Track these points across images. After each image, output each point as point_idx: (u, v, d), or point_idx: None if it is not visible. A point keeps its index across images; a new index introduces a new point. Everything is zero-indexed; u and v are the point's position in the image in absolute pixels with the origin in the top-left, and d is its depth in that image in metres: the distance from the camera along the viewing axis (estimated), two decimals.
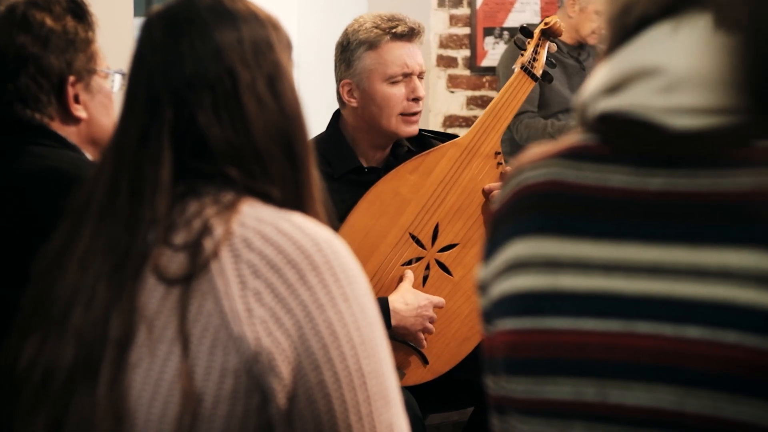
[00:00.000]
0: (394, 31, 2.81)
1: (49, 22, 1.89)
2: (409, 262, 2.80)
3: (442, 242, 2.82)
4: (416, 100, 2.82)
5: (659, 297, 0.97)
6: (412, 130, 2.84)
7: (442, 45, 5.36)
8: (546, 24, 2.94)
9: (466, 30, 5.40)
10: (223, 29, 1.35)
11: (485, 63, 5.34)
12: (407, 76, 2.82)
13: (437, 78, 5.35)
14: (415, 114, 2.83)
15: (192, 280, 1.24)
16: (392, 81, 2.80)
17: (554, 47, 2.96)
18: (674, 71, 1.00)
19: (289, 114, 1.37)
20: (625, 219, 1.00)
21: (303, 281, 1.25)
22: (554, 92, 4.65)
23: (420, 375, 2.83)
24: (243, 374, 1.22)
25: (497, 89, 4.98)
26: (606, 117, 1.05)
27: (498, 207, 1.11)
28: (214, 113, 1.32)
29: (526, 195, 1.07)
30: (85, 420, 1.24)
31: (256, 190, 1.31)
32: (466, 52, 5.40)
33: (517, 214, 1.08)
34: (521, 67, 2.89)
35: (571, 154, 1.06)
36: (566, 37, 4.72)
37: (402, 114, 2.82)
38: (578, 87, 4.60)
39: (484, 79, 5.34)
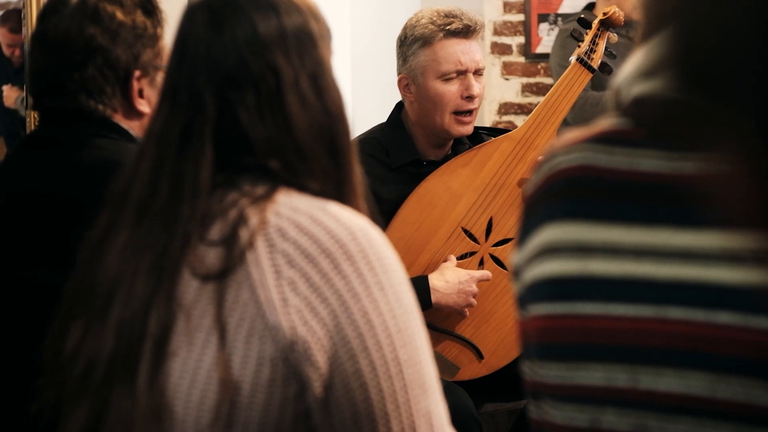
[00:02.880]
0: (448, 28, 2.77)
1: (119, 15, 1.91)
2: (463, 257, 2.79)
3: (496, 237, 2.80)
4: (470, 98, 2.78)
5: (691, 282, 0.95)
6: (466, 130, 2.81)
7: (497, 32, 5.33)
8: (605, 14, 2.88)
9: (521, 17, 5.37)
10: (265, 21, 1.34)
11: (540, 50, 5.30)
12: (462, 73, 2.78)
13: (492, 65, 5.33)
14: (469, 113, 2.80)
15: (227, 274, 1.24)
16: (446, 78, 2.78)
17: (615, 38, 2.89)
18: None
19: (332, 111, 1.36)
20: (656, 203, 0.99)
21: (337, 270, 1.25)
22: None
23: (475, 370, 2.82)
24: (279, 363, 1.23)
25: (551, 77, 4.93)
26: (640, 100, 1.04)
27: (531, 192, 1.10)
28: (258, 112, 1.31)
29: (558, 180, 1.07)
30: (125, 414, 1.25)
31: (296, 184, 1.31)
32: (521, 39, 5.37)
33: (549, 199, 1.07)
34: (578, 59, 2.84)
35: (604, 139, 1.05)
36: None
37: (455, 113, 2.79)
38: None
39: (539, 66, 5.30)
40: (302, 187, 1.31)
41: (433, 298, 2.71)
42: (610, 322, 0.99)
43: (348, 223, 1.27)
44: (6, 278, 1.85)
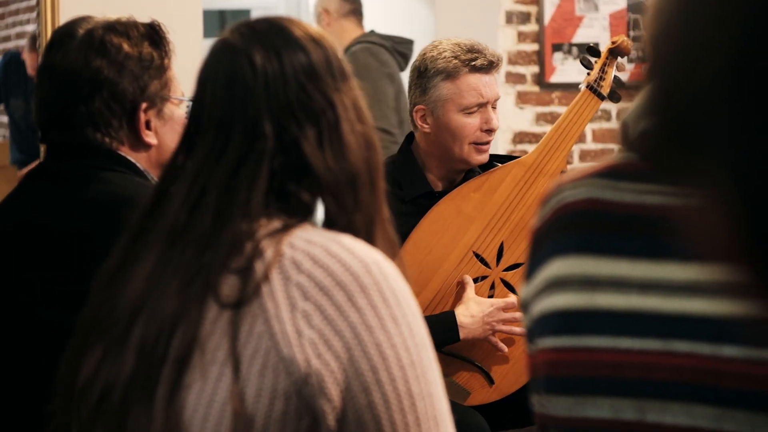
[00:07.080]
0: (473, 63, 2.79)
1: (126, 47, 1.91)
2: (474, 281, 2.81)
3: (507, 261, 2.81)
4: (489, 131, 2.82)
5: (696, 316, 0.97)
6: (483, 158, 2.84)
7: (511, 61, 5.36)
8: (614, 43, 2.91)
9: (535, 46, 5.39)
10: (315, 54, 1.38)
11: (554, 79, 5.32)
12: (482, 106, 2.81)
13: (506, 94, 5.34)
14: (486, 143, 2.84)
15: (242, 306, 1.26)
16: (467, 111, 2.80)
17: (623, 66, 2.93)
18: None
19: (371, 140, 1.39)
20: (662, 237, 1.00)
21: (352, 303, 1.26)
22: None
23: (486, 395, 2.83)
24: (293, 396, 1.24)
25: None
26: (645, 135, 1.05)
27: (538, 225, 1.12)
28: (318, 143, 1.34)
29: (565, 214, 1.08)
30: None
31: (342, 222, 1.34)
32: (535, 68, 5.39)
33: (556, 232, 1.09)
34: (587, 86, 2.88)
35: (610, 173, 1.07)
36: None
37: (474, 143, 2.82)
38: None
39: (553, 95, 5.32)
40: (348, 225, 1.33)
41: (462, 334, 2.75)
42: (617, 355, 1.01)
43: (362, 255, 1.29)
44: (15, 317, 1.84)
